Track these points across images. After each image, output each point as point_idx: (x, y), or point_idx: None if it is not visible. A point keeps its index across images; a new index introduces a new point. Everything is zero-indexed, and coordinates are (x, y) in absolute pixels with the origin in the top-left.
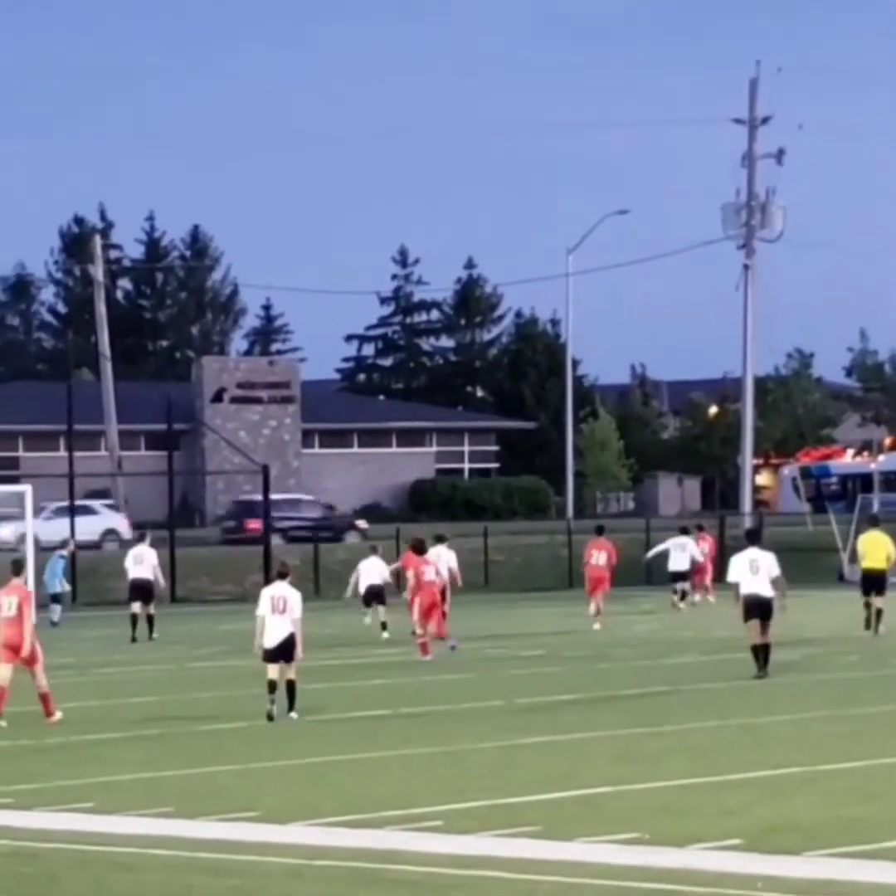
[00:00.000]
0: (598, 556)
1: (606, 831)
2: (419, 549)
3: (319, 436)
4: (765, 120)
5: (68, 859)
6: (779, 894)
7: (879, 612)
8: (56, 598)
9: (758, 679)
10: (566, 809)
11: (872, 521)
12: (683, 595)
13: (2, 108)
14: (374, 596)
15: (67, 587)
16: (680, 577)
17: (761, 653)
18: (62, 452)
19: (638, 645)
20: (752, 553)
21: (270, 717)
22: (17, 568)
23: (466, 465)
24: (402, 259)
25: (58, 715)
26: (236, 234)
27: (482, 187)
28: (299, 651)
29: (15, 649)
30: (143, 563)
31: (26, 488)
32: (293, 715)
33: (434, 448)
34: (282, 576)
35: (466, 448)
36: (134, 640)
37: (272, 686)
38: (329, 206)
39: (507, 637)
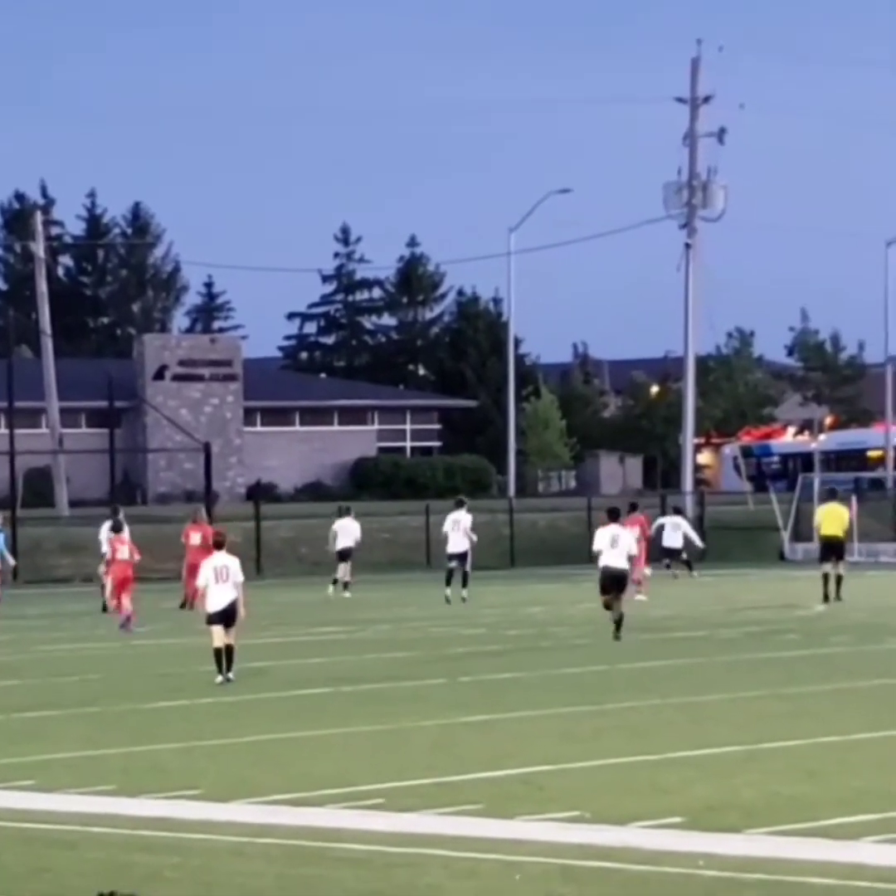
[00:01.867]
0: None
1: (547, 809)
2: (117, 527)
3: (261, 414)
4: (706, 99)
5: (10, 837)
6: (719, 872)
7: (839, 579)
8: None
9: (616, 640)
10: (507, 788)
11: (831, 494)
12: (669, 567)
13: None
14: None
15: (12, 561)
16: (672, 553)
17: (615, 621)
18: (2, 430)
19: (579, 624)
20: (614, 529)
21: (224, 681)
22: None
23: (408, 444)
24: (344, 237)
25: None
26: (178, 212)
27: (425, 165)
28: (242, 612)
29: None
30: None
31: None
32: (230, 675)
33: (376, 426)
34: (219, 546)
35: (408, 426)
36: (104, 610)
37: (218, 655)
38: (271, 183)
39: (449, 615)
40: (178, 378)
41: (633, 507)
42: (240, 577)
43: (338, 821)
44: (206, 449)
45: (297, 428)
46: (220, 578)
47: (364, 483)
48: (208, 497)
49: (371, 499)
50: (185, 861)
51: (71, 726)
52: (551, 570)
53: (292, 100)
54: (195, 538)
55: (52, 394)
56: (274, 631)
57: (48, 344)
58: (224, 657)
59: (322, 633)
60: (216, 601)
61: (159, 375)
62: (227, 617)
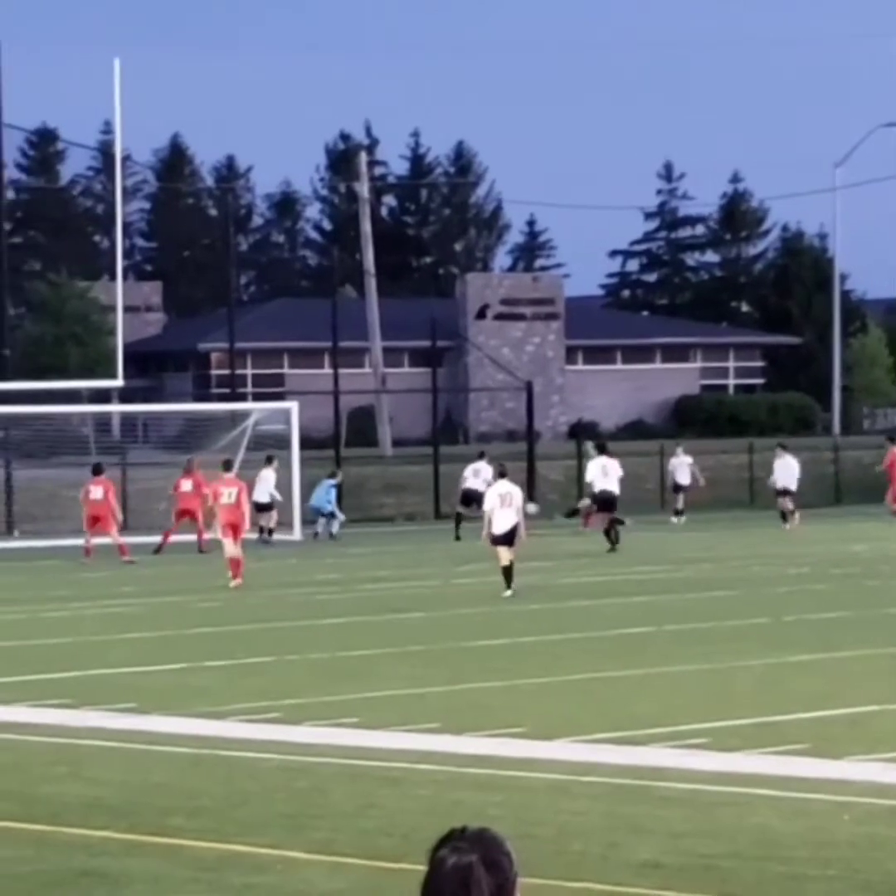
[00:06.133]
0: None
1: (875, 750)
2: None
3: (583, 352)
4: None
5: (338, 774)
6: None
7: None
8: (324, 514)
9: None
10: (833, 728)
11: None
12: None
13: (285, 25)
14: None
15: (338, 513)
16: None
17: (613, 528)
18: (327, 369)
19: None
20: (603, 460)
21: (509, 596)
22: (228, 466)
23: (731, 381)
24: (667, 173)
25: (239, 581)
26: (500, 150)
27: (748, 100)
28: (522, 534)
29: (235, 527)
30: (478, 476)
31: (292, 405)
32: (508, 592)
33: (698, 364)
34: (503, 475)
35: (731, 364)
36: (458, 539)
37: (505, 571)
38: (594, 120)
39: (773, 554)
40: (500, 317)
41: None
42: (520, 504)
43: (662, 760)
44: (528, 388)
45: (619, 366)
46: (505, 504)
47: (686, 421)
48: (530, 436)
49: (693, 437)
50: (508, 799)
51: (395, 664)
52: (877, 508)
53: (612, 34)
54: (185, 485)
55: (375, 333)
56: (595, 570)
57: (372, 284)
58: (503, 575)
59: (643, 572)
60: (501, 524)
61: (481, 314)
62: (509, 538)
